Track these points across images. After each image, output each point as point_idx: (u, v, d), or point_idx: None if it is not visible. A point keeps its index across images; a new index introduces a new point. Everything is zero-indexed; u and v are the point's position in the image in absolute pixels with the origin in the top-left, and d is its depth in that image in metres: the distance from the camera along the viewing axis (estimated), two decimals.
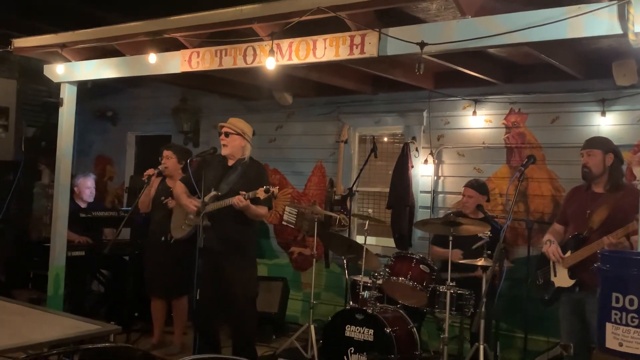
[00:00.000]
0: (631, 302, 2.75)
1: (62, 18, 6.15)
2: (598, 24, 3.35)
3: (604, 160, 4.23)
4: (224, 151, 4.93)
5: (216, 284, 4.90)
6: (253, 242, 5.15)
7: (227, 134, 4.91)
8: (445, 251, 4.85)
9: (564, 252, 4.25)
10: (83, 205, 6.53)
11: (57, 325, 3.34)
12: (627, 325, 2.76)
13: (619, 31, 3.28)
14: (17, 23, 6.43)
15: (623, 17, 3.24)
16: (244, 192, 4.62)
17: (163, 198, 5.59)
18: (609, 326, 2.82)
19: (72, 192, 6.46)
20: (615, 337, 2.79)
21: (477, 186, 5.40)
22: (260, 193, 4.57)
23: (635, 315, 2.74)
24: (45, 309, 4.06)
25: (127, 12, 5.61)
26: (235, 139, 4.92)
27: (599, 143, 4.33)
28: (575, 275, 4.17)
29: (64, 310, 5.41)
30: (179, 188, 5.13)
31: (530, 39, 3.55)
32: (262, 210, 4.85)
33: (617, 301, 2.79)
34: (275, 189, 4.63)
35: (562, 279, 4.26)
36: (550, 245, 4.32)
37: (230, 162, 4.96)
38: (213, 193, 4.82)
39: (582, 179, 4.38)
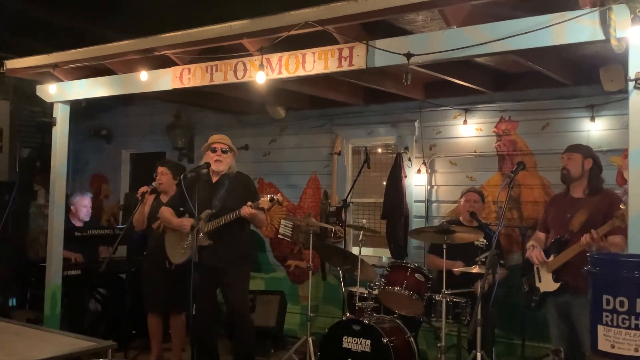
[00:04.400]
0: (621, 303, 2.77)
1: (53, 36, 6.21)
2: (581, 30, 3.41)
3: (582, 164, 4.34)
4: (220, 167, 5.00)
5: (215, 299, 4.97)
6: (250, 252, 5.40)
7: (224, 151, 5.02)
8: (441, 262, 4.84)
9: (547, 257, 4.30)
10: (79, 224, 6.54)
11: (53, 343, 3.35)
12: (618, 327, 2.78)
13: (602, 37, 3.34)
14: (8, 43, 6.48)
15: (605, 23, 3.30)
16: (251, 203, 4.72)
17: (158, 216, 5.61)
18: (600, 328, 2.84)
19: (68, 210, 6.49)
20: (607, 339, 2.81)
21: (478, 191, 5.49)
22: (264, 203, 4.68)
23: (626, 317, 2.76)
24: (42, 328, 4.07)
25: (119, 29, 5.67)
26: (229, 156, 5.06)
27: (579, 148, 4.47)
28: (560, 279, 4.21)
29: (61, 329, 5.40)
30: (166, 213, 5.18)
31: (515, 47, 3.61)
32: (263, 216, 4.97)
33: (608, 303, 2.81)
34: (278, 196, 4.74)
35: (546, 283, 4.30)
36: (533, 249, 4.39)
37: (215, 179, 5.05)
38: (207, 212, 4.88)
39: (561, 182, 4.49)
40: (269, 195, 4.71)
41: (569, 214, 4.29)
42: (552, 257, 4.26)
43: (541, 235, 4.58)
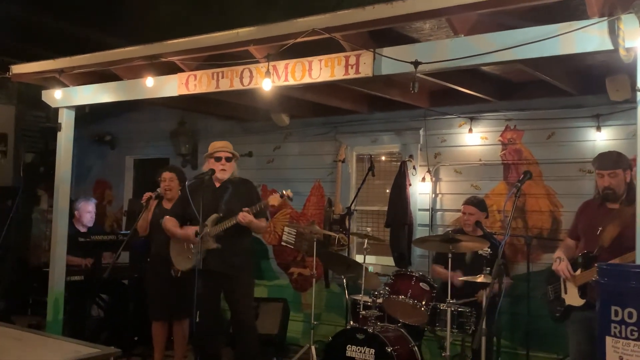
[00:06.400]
0: (630, 315, 2.75)
1: (59, 43, 6.23)
2: (589, 40, 3.40)
3: (624, 178, 4.04)
4: (225, 175, 5.02)
5: (219, 306, 4.93)
6: (251, 259, 5.36)
7: (228, 159, 5.03)
8: (444, 272, 4.82)
9: (575, 269, 4.10)
10: (83, 230, 6.53)
11: (56, 350, 3.32)
12: (626, 338, 2.76)
13: (610, 47, 3.33)
14: (14, 49, 6.50)
15: (613, 33, 3.28)
16: (247, 209, 4.72)
17: (161, 220, 5.59)
18: (608, 340, 2.82)
19: (72, 216, 6.48)
20: (616, 350, 2.79)
21: (477, 203, 5.40)
22: (274, 200, 4.77)
23: (635, 328, 2.74)
24: (45, 334, 4.05)
25: (125, 35, 5.69)
26: (233, 163, 5.07)
27: (620, 161, 4.08)
28: (586, 295, 4.01)
29: (63, 335, 5.38)
30: (169, 223, 5.12)
31: (522, 56, 3.60)
32: (262, 222, 4.98)
33: (616, 314, 2.79)
34: (288, 191, 4.79)
35: (572, 297, 4.13)
36: (559, 262, 4.17)
37: (218, 184, 5.05)
38: (214, 216, 4.86)
39: (603, 200, 4.13)
40: (278, 192, 4.75)
41: (601, 226, 4.03)
42: (579, 271, 4.07)
43: (571, 242, 4.37)
